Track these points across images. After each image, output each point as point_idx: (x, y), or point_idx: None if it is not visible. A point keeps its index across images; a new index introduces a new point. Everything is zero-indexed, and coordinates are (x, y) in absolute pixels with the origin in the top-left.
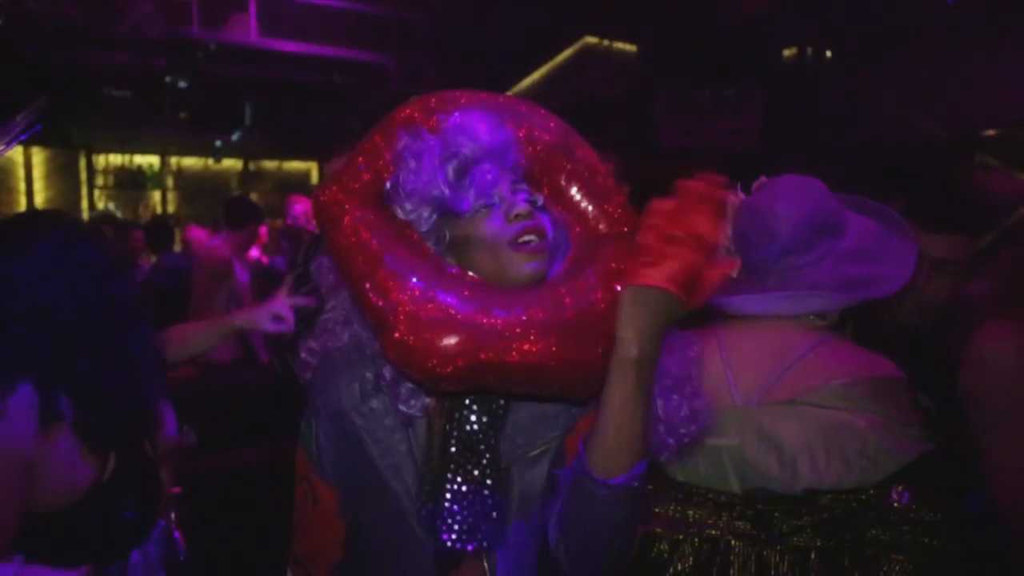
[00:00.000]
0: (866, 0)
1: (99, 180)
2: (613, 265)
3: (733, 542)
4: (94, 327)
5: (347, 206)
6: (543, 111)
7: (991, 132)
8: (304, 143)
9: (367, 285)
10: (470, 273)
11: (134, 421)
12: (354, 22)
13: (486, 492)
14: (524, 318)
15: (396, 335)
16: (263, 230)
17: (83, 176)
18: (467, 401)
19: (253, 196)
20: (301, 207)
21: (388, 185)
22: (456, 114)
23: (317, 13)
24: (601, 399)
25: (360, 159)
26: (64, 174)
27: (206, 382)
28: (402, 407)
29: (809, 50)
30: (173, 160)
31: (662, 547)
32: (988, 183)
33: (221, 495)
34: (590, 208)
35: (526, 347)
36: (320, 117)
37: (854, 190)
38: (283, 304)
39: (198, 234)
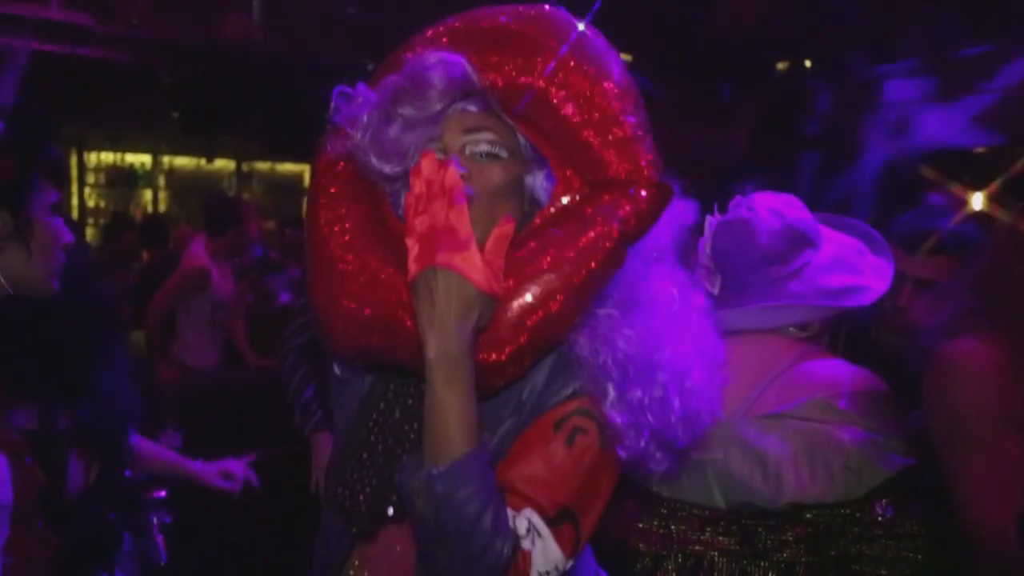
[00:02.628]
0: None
1: (90, 178)
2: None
3: (716, 557)
4: (88, 335)
5: (328, 157)
6: (555, 27)
7: (981, 150)
8: (297, 145)
9: (308, 246)
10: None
11: (122, 425)
12: (351, 27)
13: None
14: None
15: (315, 298)
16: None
17: (74, 173)
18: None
19: (245, 196)
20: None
21: None
22: (407, 65)
23: (315, 16)
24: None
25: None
26: None
27: (190, 385)
28: (337, 370)
29: (806, 63)
30: (165, 159)
31: (645, 563)
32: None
33: (205, 498)
34: (592, 148)
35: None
36: (314, 120)
37: (846, 205)
38: (236, 465)
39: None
